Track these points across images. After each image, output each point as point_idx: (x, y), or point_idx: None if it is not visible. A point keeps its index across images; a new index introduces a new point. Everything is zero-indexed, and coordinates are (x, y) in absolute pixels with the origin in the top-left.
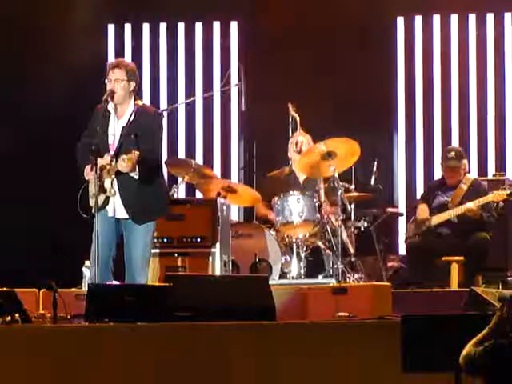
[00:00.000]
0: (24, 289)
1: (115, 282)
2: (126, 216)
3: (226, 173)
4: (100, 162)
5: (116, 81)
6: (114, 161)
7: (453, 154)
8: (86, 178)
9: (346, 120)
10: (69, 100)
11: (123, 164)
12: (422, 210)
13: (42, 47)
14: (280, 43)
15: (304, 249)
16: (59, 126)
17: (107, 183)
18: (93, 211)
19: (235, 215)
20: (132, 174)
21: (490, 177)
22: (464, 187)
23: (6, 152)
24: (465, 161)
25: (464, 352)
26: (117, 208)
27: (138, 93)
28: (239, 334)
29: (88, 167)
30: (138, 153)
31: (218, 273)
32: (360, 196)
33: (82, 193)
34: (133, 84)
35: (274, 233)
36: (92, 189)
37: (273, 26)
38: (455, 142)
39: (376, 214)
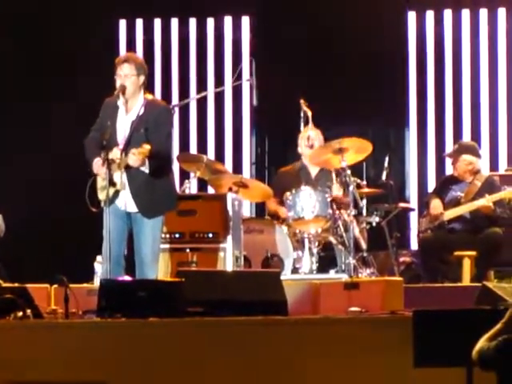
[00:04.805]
0: (36, 284)
1: (126, 278)
2: (136, 210)
3: (237, 168)
4: (109, 155)
5: (126, 76)
6: (124, 154)
7: (456, 146)
8: (96, 172)
9: (357, 115)
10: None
11: (134, 158)
12: (436, 205)
13: None
14: (291, 37)
15: (316, 244)
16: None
17: (116, 177)
18: (102, 205)
19: (247, 210)
20: (142, 168)
21: (501, 171)
22: (478, 184)
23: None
24: (467, 156)
25: (477, 347)
26: (127, 202)
27: (147, 87)
28: (251, 329)
29: (99, 161)
30: (148, 147)
31: (229, 268)
32: (371, 191)
33: (90, 186)
34: (142, 78)
35: (285, 228)
36: (101, 182)
37: (284, 20)
38: (467, 137)
39: (388, 209)
